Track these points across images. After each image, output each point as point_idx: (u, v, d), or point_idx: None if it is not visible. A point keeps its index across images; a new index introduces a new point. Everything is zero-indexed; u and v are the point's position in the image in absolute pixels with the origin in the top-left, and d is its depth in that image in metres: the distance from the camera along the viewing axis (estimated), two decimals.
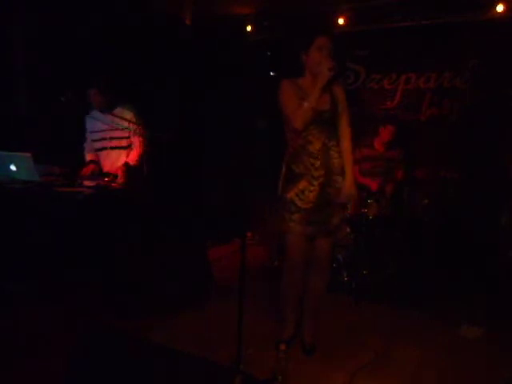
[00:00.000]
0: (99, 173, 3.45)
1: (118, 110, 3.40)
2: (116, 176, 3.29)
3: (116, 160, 3.45)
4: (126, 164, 3.34)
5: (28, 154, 2.92)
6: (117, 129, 3.38)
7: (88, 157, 3.57)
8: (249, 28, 5.44)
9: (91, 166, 3.44)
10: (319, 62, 2.36)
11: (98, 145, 3.52)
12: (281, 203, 2.49)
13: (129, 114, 3.38)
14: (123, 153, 3.46)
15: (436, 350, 2.68)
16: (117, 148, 3.47)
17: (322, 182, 2.43)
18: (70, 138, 3.66)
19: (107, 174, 3.38)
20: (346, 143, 2.51)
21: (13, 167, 2.99)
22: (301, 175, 2.45)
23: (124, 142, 3.45)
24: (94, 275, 2.89)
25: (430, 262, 3.80)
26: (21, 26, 3.78)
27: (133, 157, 3.40)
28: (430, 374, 2.43)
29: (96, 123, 3.45)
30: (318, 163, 2.43)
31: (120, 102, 3.46)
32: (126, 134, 3.41)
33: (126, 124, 3.32)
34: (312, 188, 2.43)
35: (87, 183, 3.18)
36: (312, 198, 2.42)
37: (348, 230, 3.78)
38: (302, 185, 2.43)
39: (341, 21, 4.94)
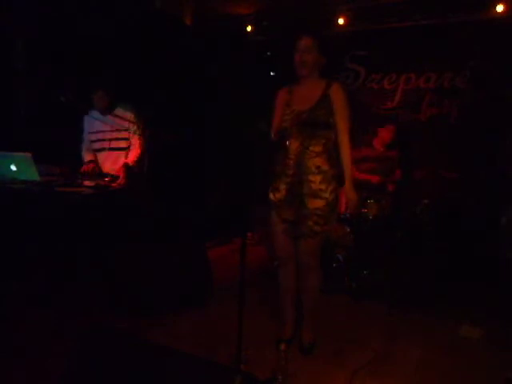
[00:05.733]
0: (99, 173, 3.45)
1: (118, 111, 3.41)
2: (116, 177, 3.29)
3: (115, 161, 3.44)
4: (126, 165, 3.34)
5: (28, 154, 2.92)
6: (116, 130, 3.38)
7: (86, 157, 3.56)
8: (249, 28, 5.45)
9: (91, 165, 3.44)
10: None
11: (97, 145, 3.52)
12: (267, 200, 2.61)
13: (129, 115, 3.39)
14: (122, 154, 3.46)
15: (436, 350, 2.68)
16: (116, 149, 3.47)
17: (291, 181, 2.46)
18: (69, 137, 3.66)
19: (107, 175, 3.38)
20: (344, 149, 2.48)
21: (13, 167, 2.99)
22: (278, 174, 2.54)
23: (123, 144, 3.45)
24: (94, 275, 2.89)
25: (429, 262, 3.80)
26: (21, 25, 3.78)
27: (132, 157, 3.39)
28: (430, 373, 2.44)
29: (95, 123, 3.45)
30: (291, 163, 2.47)
31: (120, 101, 3.46)
32: (126, 135, 3.41)
33: (126, 125, 3.32)
34: (283, 186, 2.50)
35: (87, 183, 3.18)
36: (281, 195, 2.50)
37: (348, 229, 3.78)
38: (277, 183, 2.53)
39: (341, 21, 4.95)
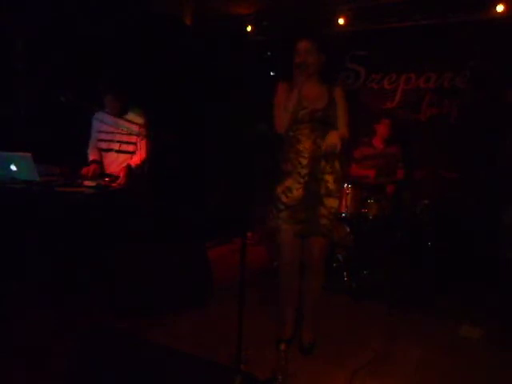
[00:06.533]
0: (100, 173, 3.44)
1: (129, 115, 3.39)
2: (117, 177, 3.29)
3: (120, 164, 3.43)
4: (128, 166, 3.33)
5: (28, 154, 2.92)
6: (127, 133, 3.38)
7: (91, 155, 3.55)
8: (249, 28, 5.45)
9: (92, 167, 3.43)
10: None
11: (105, 145, 3.50)
12: (272, 201, 2.56)
13: (140, 120, 3.38)
14: (128, 158, 3.44)
15: (436, 350, 2.68)
16: (123, 152, 3.46)
17: (307, 181, 2.46)
18: (70, 137, 3.66)
19: (108, 175, 3.38)
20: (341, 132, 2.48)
21: (13, 167, 2.99)
22: (288, 173, 2.51)
23: (131, 148, 3.44)
24: (94, 275, 2.89)
25: (429, 262, 3.80)
26: (21, 25, 3.78)
27: (136, 160, 3.39)
28: (430, 373, 2.44)
29: (106, 123, 3.44)
30: (305, 162, 2.46)
31: (132, 105, 3.46)
32: (134, 140, 3.39)
33: (135, 127, 3.30)
34: (298, 186, 2.47)
35: (87, 183, 3.17)
36: (297, 195, 2.47)
37: (348, 229, 3.78)
38: (289, 182, 2.49)
39: (341, 21, 4.94)
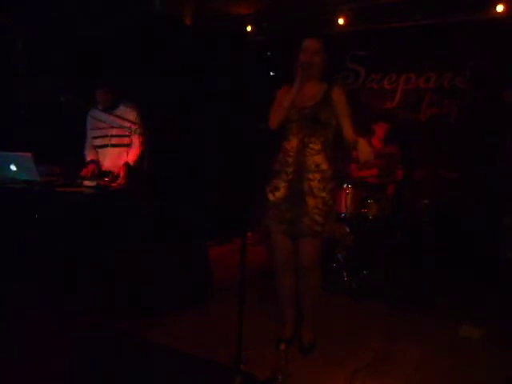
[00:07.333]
0: (99, 173, 3.45)
1: (121, 109, 3.41)
2: (116, 176, 3.29)
3: (117, 158, 3.44)
4: (127, 164, 3.34)
5: (28, 154, 2.92)
6: (117, 127, 3.39)
7: (88, 156, 3.56)
8: (249, 28, 5.45)
9: (91, 167, 3.43)
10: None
11: (99, 142, 3.52)
12: (264, 200, 2.58)
13: (132, 113, 3.40)
14: (124, 151, 3.46)
15: (436, 350, 2.67)
16: (118, 146, 3.47)
17: (291, 179, 2.46)
18: (69, 137, 3.66)
19: (107, 173, 3.38)
20: (349, 134, 2.46)
21: (13, 167, 2.99)
22: (277, 172, 2.52)
23: (125, 140, 3.45)
24: (94, 275, 2.89)
25: (429, 262, 3.80)
26: (21, 25, 3.78)
27: (132, 156, 3.40)
28: (430, 373, 2.43)
29: (98, 120, 3.45)
30: (290, 160, 2.46)
31: (123, 100, 3.47)
32: (127, 132, 3.41)
33: (127, 124, 3.32)
34: (283, 184, 2.48)
35: (87, 183, 3.17)
36: (281, 194, 2.48)
37: (348, 229, 3.78)
38: (276, 181, 2.51)
39: (341, 21, 4.95)
